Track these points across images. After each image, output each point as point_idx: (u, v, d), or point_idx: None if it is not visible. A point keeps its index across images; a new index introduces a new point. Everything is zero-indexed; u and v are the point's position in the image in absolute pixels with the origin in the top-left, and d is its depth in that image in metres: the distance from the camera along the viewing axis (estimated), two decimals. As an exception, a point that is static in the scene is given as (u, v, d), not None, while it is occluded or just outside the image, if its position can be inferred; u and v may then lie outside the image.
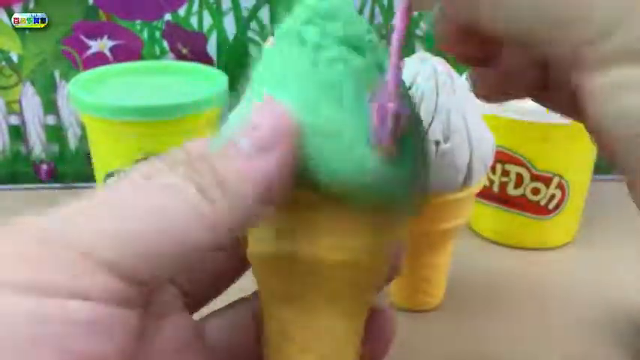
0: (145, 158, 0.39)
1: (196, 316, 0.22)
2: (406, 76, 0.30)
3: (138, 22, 0.51)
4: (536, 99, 0.22)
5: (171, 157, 0.17)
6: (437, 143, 0.30)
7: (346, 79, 0.18)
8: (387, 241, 0.20)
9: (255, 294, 0.22)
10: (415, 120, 0.20)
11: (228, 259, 0.23)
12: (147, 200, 0.16)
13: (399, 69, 0.17)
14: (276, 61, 0.19)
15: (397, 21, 0.18)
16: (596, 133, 0.16)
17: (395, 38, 0.18)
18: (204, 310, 0.23)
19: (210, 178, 0.16)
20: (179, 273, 0.16)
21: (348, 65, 0.18)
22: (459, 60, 0.20)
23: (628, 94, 0.14)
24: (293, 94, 0.18)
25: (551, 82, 0.21)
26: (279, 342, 0.20)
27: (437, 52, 0.31)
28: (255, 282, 0.21)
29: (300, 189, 0.18)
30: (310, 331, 0.19)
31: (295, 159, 0.17)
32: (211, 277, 0.22)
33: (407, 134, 0.18)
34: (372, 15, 0.51)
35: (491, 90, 0.21)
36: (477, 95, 0.21)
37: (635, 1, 0.14)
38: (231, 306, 0.23)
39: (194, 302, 0.22)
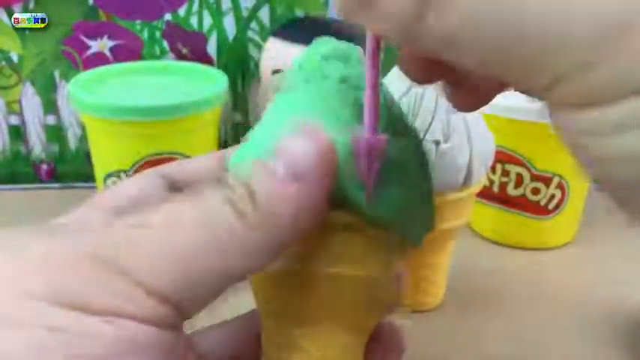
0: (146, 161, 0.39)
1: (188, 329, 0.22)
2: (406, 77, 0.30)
3: (138, 22, 0.51)
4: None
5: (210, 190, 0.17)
6: (437, 143, 0.30)
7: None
8: (394, 260, 0.20)
9: (252, 312, 0.23)
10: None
11: None
12: (183, 230, 0.16)
13: (375, 109, 0.18)
14: (300, 90, 0.19)
15: (368, 65, 0.17)
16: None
17: (369, 86, 0.17)
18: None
19: (242, 191, 0.16)
20: (215, 296, 0.16)
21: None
22: (424, 83, 0.20)
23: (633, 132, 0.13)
24: (324, 117, 0.18)
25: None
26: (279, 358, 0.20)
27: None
28: (255, 300, 0.21)
29: None
30: (313, 346, 0.19)
31: (331, 187, 0.17)
32: None
33: (404, 164, 0.19)
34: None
35: (465, 102, 0.21)
36: (453, 106, 0.21)
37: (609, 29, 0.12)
38: (226, 322, 0.23)
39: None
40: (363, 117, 0.18)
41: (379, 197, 0.18)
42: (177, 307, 0.15)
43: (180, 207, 0.16)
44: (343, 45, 0.20)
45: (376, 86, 0.18)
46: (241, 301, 0.22)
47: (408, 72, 0.19)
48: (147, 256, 0.15)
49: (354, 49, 0.20)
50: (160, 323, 0.15)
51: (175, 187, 0.21)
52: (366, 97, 0.18)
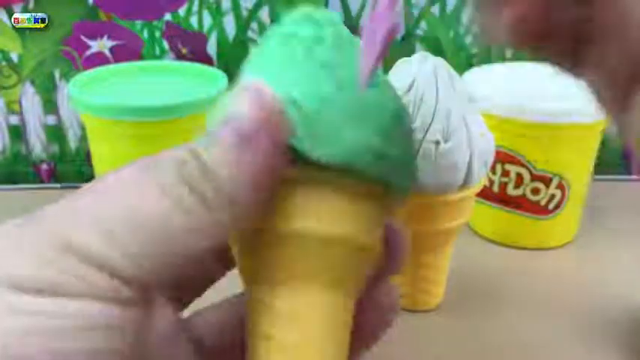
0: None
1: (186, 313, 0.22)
2: (406, 76, 0.30)
3: (138, 22, 0.51)
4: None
5: (164, 157, 0.16)
6: (437, 143, 0.30)
7: (337, 64, 0.18)
8: (380, 220, 0.20)
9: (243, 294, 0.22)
10: (403, 110, 0.20)
11: (210, 259, 0.22)
12: (139, 201, 0.15)
13: None
14: (265, 52, 0.19)
15: None
16: None
17: None
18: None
19: (200, 174, 0.16)
20: (180, 272, 0.16)
21: (338, 53, 0.19)
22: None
23: None
24: (282, 76, 0.18)
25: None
26: (263, 325, 0.19)
27: (437, 52, 0.31)
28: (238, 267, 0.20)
29: (291, 165, 0.18)
30: (286, 305, 0.19)
31: (285, 142, 0.17)
32: (190, 276, 0.22)
33: (399, 113, 0.19)
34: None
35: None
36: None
37: None
38: (221, 304, 0.23)
39: (178, 301, 0.22)
40: (327, 75, 0.18)
41: (328, 140, 0.17)
42: (137, 284, 0.15)
43: (135, 180, 0.16)
44: (317, 10, 0.20)
45: None
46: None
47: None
48: (97, 231, 0.15)
49: (328, 13, 0.20)
50: (116, 301, 0.15)
51: None
52: None
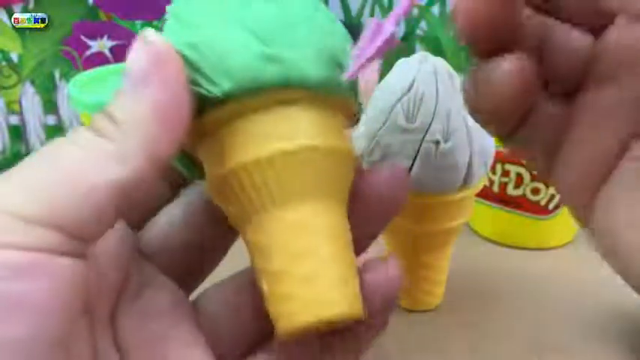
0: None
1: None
2: (406, 76, 0.30)
3: (138, 22, 0.51)
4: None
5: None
6: (437, 143, 0.30)
7: None
8: (336, 122, 0.19)
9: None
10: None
11: (203, 232, 0.22)
12: (53, 154, 0.16)
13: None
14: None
15: None
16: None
17: None
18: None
19: (105, 121, 0.17)
20: (111, 217, 0.17)
21: None
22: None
23: None
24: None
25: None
26: (267, 259, 0.19)
27: (437, 52, 0.31)
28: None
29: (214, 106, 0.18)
30: (305, 218, 0.18)
31: (181, 84, 0.17)
32: (186, 252, 0.22)
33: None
34: (372, 15, 0.51)
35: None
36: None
37: None
38: (229, 279, 0.23)
39: (181, 281, 0.22)
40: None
41: (224, 71, 0.18)
42: (68, 232, 0.16)
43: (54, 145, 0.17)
44: None
45: None
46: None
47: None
48: (20, 188, 0.16)
49: None
50: (49, 249, 0.15)
51: None
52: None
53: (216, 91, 0.18)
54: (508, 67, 0.17)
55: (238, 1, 0.19)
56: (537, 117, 0.18)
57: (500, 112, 0.18)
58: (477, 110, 0.19)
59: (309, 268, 0.18)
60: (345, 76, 0.19)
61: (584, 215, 0.19)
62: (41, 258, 0.15)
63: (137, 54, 0.17)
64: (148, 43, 0.17)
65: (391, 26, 0.18)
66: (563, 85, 0.18)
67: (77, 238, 0.16)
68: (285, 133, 0.18)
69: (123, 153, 0.16)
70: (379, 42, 0.18)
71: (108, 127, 0.17)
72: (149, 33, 0.18)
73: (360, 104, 0.21)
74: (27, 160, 0.17)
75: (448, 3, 0.51)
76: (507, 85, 0.17)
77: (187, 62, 0.18)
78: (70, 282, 0.16)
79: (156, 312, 0.20)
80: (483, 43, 0.17)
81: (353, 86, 0.20)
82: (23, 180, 0.16)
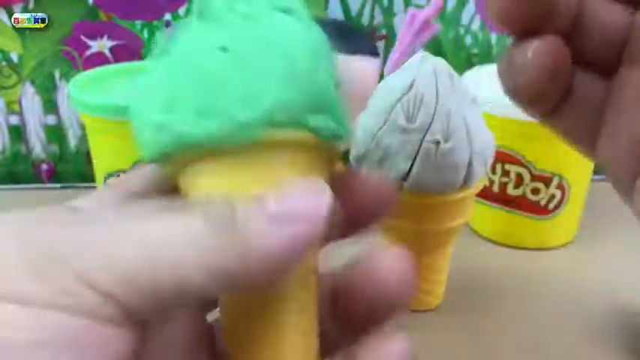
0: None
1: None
2: (406, 76, 0.30)
3: (138, 22, 0.51)
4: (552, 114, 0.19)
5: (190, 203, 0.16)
6: (437, 143, 0.30)
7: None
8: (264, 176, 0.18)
9: None
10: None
11: None
12: (147, 227, 0.15)
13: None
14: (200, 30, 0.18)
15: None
16: None
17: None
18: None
19: (224, 211, 0.15)
20: (173, 305, 0.15)
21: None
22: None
23: None
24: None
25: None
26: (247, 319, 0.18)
27: (437, 52, 0.31)
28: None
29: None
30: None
31: (320, 229, 0.16)
32: None
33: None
34: (372, 15, 0.51)
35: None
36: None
37: None
38: None
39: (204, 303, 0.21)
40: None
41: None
42: (124, 307, 0.15)
43: (153, 213, 0.15)
44: None
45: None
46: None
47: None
48: (100, 254, 0.14)
49: None
50: (99, 318, 0.14)
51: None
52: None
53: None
54: (543, 48, 0.17)
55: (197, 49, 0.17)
56: (578, 94, 0.18)
57: (538, 93, 0.18)
58: (516, 93, 0.18)
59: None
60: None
61: (628, 193, 0.18)
62: (95, 327, 0.14)
63: (303, 198, 0.16)
64: (318, 191, 0.16)
65: (425, 14, 0.17)
66: (602, 60, 0.18)
67: (138, 319, 0.15)
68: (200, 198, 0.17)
69: (216, 263, 0.15)
70: (416, 31, 0.17)
71: (223, 220, 0.15)
72: (322, 185, 0.16)
73: (339, 136, 0.18)
74: (116, 215, 0.16)
75: (448, 3, 0.51)
76: (541, 66, 0.17)
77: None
78: (118, 352, 0.15)
79: (180, 345, 0.19)
80: (518, 24, 0.17)
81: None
82: (104, 245, 0.15)
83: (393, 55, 0.18)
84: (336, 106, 0.18)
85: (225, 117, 0.16)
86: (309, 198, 0.16)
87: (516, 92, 0.18)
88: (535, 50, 0.17)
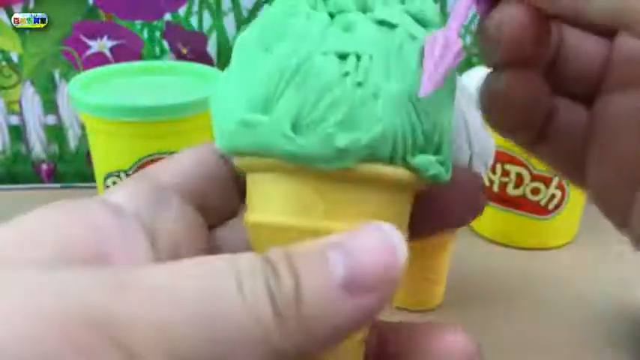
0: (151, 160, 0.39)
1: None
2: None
3: (138, 22, 0.51)
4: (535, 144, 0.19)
5: (244, 262, 0.14)
6: (437, 143, 0.30)
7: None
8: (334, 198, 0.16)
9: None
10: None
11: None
12: (212, 308, 0.13)
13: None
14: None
15: None
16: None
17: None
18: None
19: (289, 287, 0.13)
20: None
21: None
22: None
23: None
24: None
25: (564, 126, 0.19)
26: None
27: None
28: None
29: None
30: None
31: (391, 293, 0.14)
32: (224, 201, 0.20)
33: None
34: (372, 15, 0.51)
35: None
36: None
37: None
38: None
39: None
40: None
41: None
42: None
43: (210, 287, 0.13)
44: None
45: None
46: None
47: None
48: (151, 334, 0.13)
49: None
50: None
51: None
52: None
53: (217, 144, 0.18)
54: (517, 77, 0.17)
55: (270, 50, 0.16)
56: (561, 122, 0.19)
57: (517, 123, 0.18)
58: (497, 124, 0.18)
59: None
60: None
61: (623, 221, 0.19)
62: None
63: (372, 251, 0.14)
64: (394, 249, 0.14)
65: (457, 38, 0.17)
66: (581, 88, 0.18)
67: None
68: (258, 205, 0.17)
69: (276, 343, 0.13)
70: (450, 57, 0.16)
71: (289, 312, 0.13)
72: (389, 229, 0.14)
73: (436, 174, 0.16)
74: (166, 282, 0.13)
75: (448, 3, 0.51)
76: (516, 95, 0.17)
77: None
78: None
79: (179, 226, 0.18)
80: (507, 56, 0.17)
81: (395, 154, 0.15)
82: (147, 306, 0.13)
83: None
84: (447, 146, 0.17)
85: (323, 136, 0.15)
86: (383, 256, 0.14)
87: (496, 121, 0.19)
88: (507, 80, 0.17)
